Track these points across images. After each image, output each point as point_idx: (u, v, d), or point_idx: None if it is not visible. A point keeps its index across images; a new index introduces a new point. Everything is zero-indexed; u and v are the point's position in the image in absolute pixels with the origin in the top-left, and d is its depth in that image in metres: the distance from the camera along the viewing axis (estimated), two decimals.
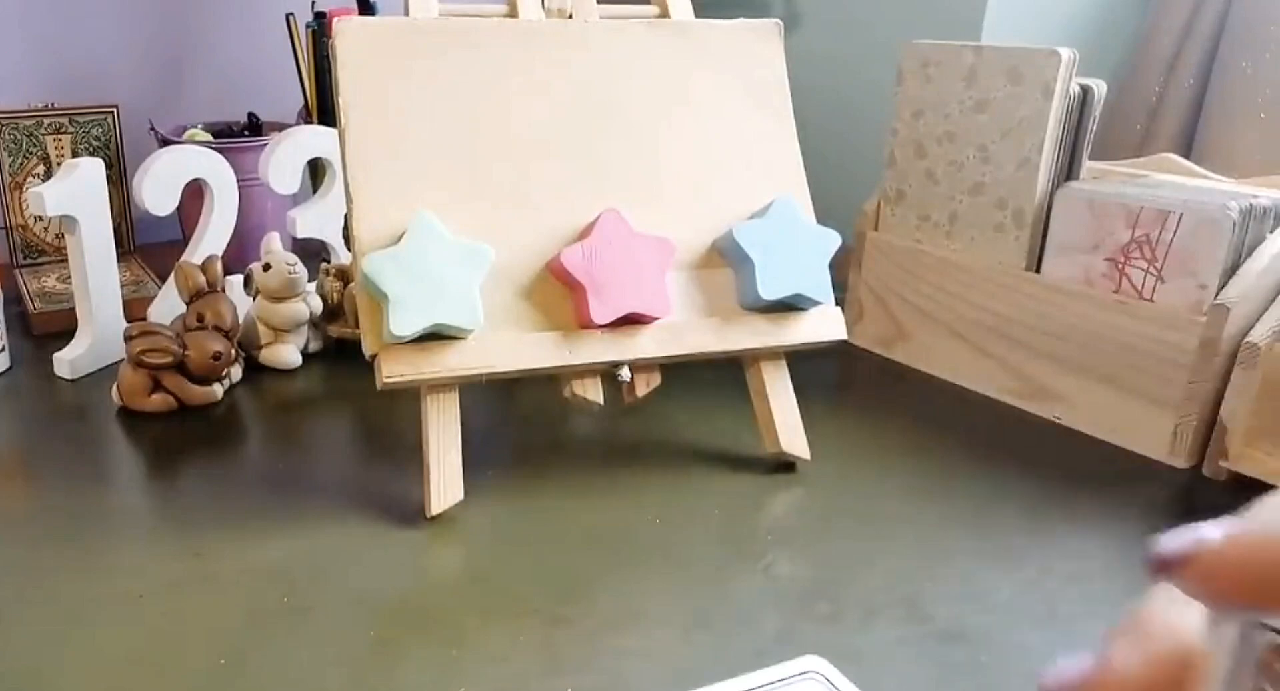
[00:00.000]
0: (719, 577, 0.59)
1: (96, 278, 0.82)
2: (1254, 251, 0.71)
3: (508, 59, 0.67)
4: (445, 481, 0.62)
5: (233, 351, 0.78)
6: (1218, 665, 0.19)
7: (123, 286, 0.87)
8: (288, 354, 0.86)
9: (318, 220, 0.94)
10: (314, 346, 0.89)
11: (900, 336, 0.92)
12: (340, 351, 0.89)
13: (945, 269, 0.87)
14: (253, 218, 0.99)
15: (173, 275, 0.82)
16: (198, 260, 0.82)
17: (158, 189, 0.84)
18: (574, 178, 0.67)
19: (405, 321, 0.58)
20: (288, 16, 1.09)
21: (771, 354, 0.70)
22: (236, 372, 0.83)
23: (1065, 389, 0.80)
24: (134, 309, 0.88)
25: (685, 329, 0.66)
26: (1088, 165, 0.82)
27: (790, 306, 0.69)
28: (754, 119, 0.72)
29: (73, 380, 0.82)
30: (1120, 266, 0.76)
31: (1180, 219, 0.72)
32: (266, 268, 0.84)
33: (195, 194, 0.88)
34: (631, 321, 0.64)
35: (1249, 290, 0.70)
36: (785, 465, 0.71)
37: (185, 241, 0.91)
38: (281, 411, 0.80)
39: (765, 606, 0.56)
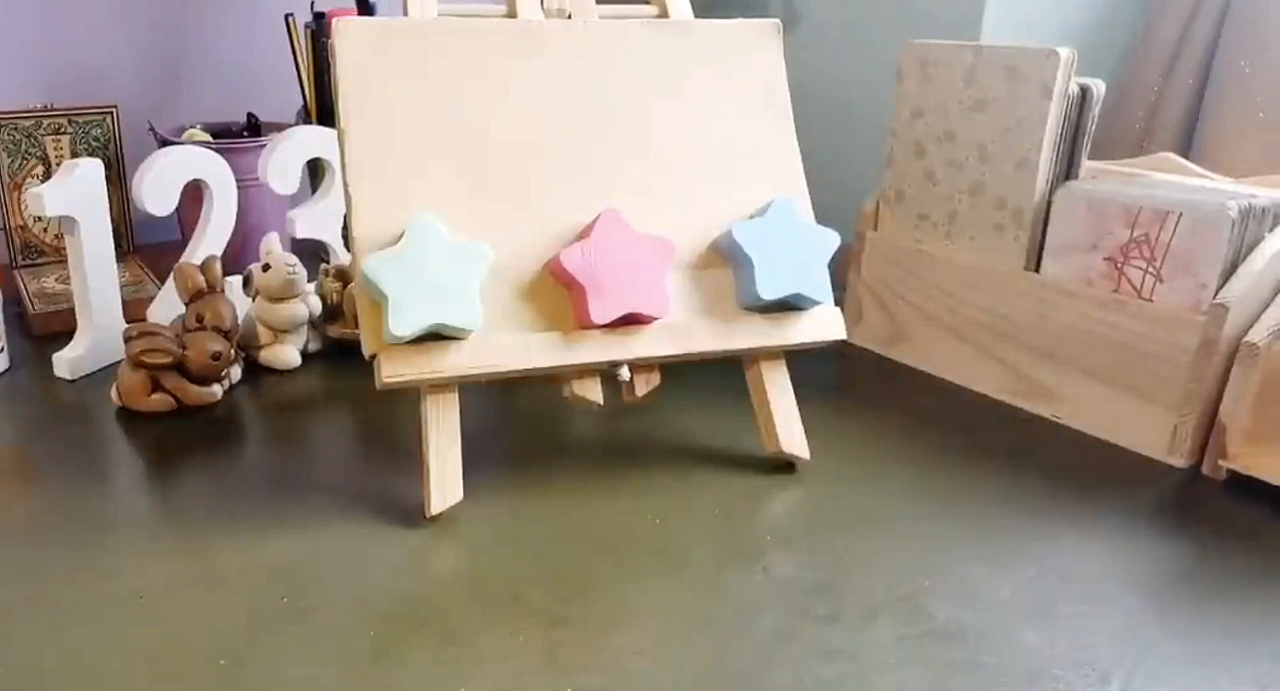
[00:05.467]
0: (719, 577, 0.59)
1: (96, 278, 0.82)
2: (1253, 251, 0.71)
3: (507, 59, 0.67)
4: (445, 481, 0.62)
5: (232, 352, 0.78)
6: None
7: (122, 287, 0.87)
8: (287, 354, 0.86)
9: (317, 220, 0.94)
10: (313, 347, 0.89)
11: (899, 336, 0.92)
12: (340, 352, 0.89)
13: (945, 269, 0.87)
14: (252, 218, 0.99)
15: (172, 276, 0.82)
16: (197, 261, 0.82)
17: (157, 189, 0.84)
18: (573, 178, 0.67)
19: (405, 321, 0.58)
20: (287, 17, 1.09)
21: (771, 354, 0.70)
22: (236, 373, 0.83)
23: (1064, 389, 0.80)
24: (133, 309, 0.88)
25: (685, 329, 0.66)
26: (1087, 165, 0.82)
27: (790, 306, 0.69)
28: (753, 119, 0.72)
29: (72, 380, 0.82)
30: (1119, 266, 0.76)
31: (1179, 218, 0.72)
32: (266, 268, 0.84)
33: (194, 194, 0.88)
34: (631, 321, 0.64)
35: (1248, 289, 0.70)
36: (785, 465, 0.71)
37: (184, 242, 0.91)
38: (281, 412, 0.80)
39: (765, 606, 0.56)
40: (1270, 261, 0.70)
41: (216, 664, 0.50)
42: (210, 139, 1.05)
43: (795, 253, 0.68)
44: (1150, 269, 0.74)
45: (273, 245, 0.85)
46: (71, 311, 0.84)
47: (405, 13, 0.67)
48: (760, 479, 0.70)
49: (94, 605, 0.54)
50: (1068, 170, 0.81)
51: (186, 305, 0.79)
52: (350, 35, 0.63)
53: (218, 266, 0.81)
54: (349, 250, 0.67)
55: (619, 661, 0.51)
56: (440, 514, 0.62)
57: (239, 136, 1.11)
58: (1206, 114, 1.08)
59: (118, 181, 1.07)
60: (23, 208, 1.04)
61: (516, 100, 0.67)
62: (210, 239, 0.88)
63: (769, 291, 0.66)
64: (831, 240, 0.69)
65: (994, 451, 0.75)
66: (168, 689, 0.48)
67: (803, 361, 0.72)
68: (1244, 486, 0.70)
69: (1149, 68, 1.12)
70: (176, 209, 0.87)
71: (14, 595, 0.55)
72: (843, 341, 0.71)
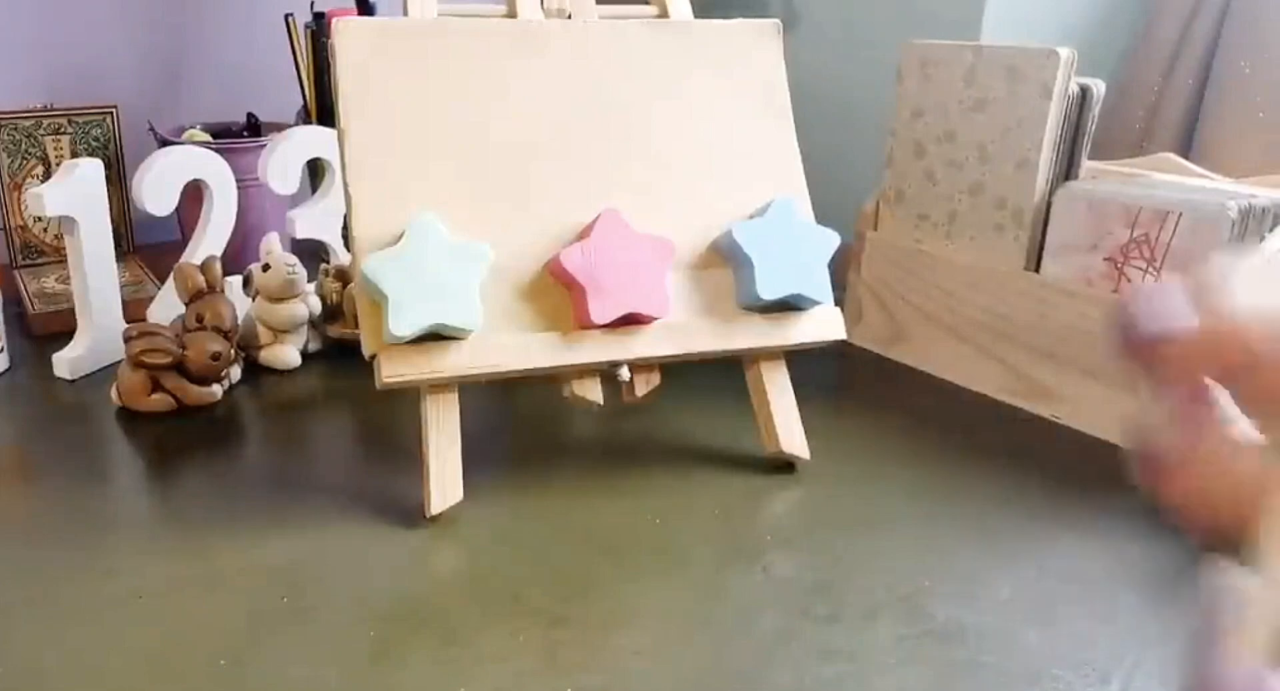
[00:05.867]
0: (719, 577, 0.59)
1: (96, 278, 0.82)
2: None
3: (507, 59, 0.67)
4: (445, 481, 0.62)
5: (232, 352, 0.78)
6: None
7: (122, 287, 0.87)
8: (287, 354, 0.86)
9: (317, 221, 0.94)
10: (313, 347, 0.89)
11: (899, 336, 0.92)
12: (340, 352, 0.89)
13: (945, 269, 0.87)
14: (252, 218, 0.99)
15: (172, 276, 0.82)
16: (197, 261, 0.82)
17: (157, 189, 0.84)
18: (573, 178, 0.67)
19: (405, 321, 0.58)
20: (287, 17, 1.09)
21: (771, 354, 0.70)
22: (236, 373, 0.83)
23: (1064, 388, 0.80)
24: (133, 309, 0.87)
25: (684, 329, 0.66)
26: (1087, 165, 0.82)
27: (789, 306, 0.69)
28: (753, 119, 0.72)
29: (72, 381, 0.82)
30: (1119, 266, 0.76)
31: (1179, 218, 0.72)
32: (266, 268, 0.84)
33: (194, 194, 0.88)
34: (631, 321, 0.64)
35: None
36: (785, 465, 0.71)
37: (184, 242, 0.91)
38: (281, 412, 0.80)
39: (765, 606, 0.56)
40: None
41: (216, 664, 0.50)
42: (210, 139, 1.05)
43: (795, 253, 0.68)
44: (1150, 269, 0.74)
45: (273, 245, 0.85)
46: (71, 311, 0.84)
47: (405, 13, 0.67)
48: (760, 479, 0.70)
49: (94, 605, 0.54)
50: (1068, 170, 0.81)
51: (186, 305, 0.79)
52: (350, 35, 0.63)
53: (218, 266, 0.81)
54: (349, 250, 0.67)
55: (619, 661, 0.51)
56: (440, 514, 0.62)
57: (239, 136, 1.11)
58: (1206, 114, 1.08)
59: (118, 181, 1.07)
60: (23, 208, 1.04)
61: (516, 100, 0.67)
62: (210, 239, 0.88)
63: (769, 291, 0.66)
64: (831, 240, 0.69)
65: (994, 451, 0.75)
66: (168, 689, 0.48)
67: (803, 361, 0.72)
68: None
69: (1149, 68, 1.12)
70: (176, 209, 0.87)
71: (14, 595, 0.55)
72: (843, 341, 0.71)
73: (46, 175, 1.04)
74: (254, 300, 0.86)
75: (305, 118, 1.12)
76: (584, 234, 0.65)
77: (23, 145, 1.03)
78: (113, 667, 0.50)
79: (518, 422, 0.79)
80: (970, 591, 0.58)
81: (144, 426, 0.76)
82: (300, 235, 0.94)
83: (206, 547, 0.60)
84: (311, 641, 0.52)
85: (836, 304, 0.70)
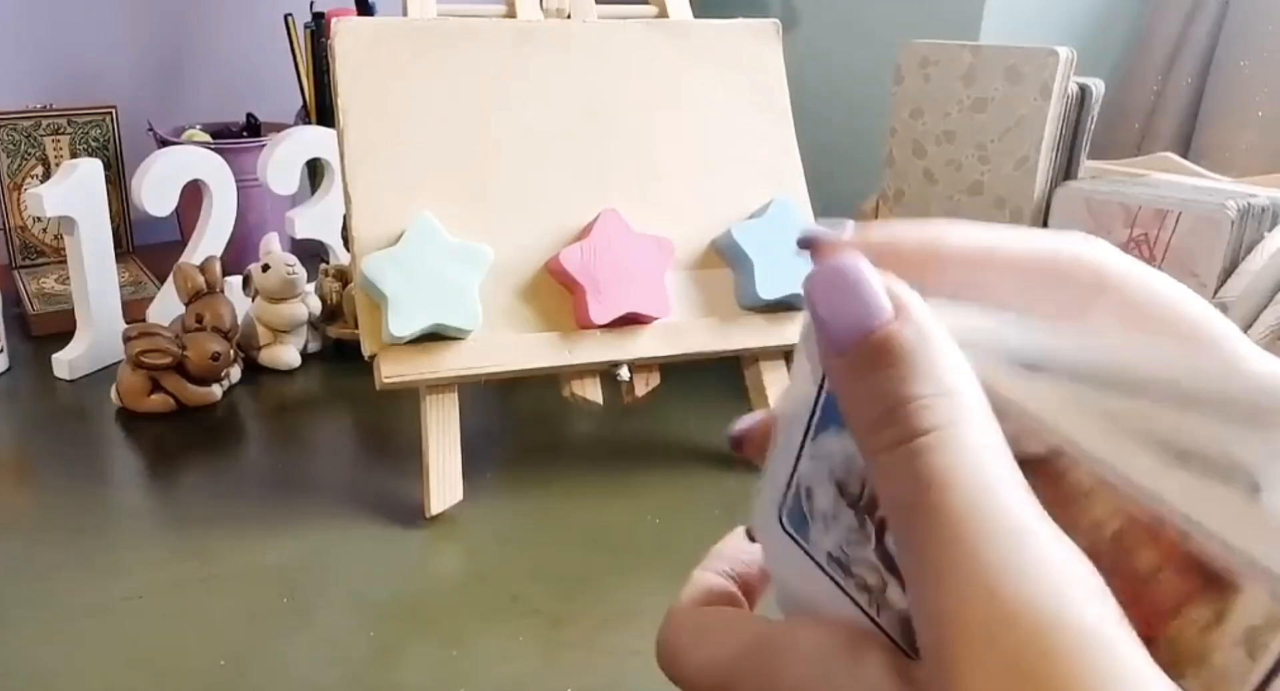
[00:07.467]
0: None
1: (95, 279, 0.82)
2: (1252, 250, 0.71)
3: (506, 59, 0.67)
4: (445, 481, 0.62)
5: (232, 352, 0.78)
6: None
7: (122, 287, 0.87)
8: (287, 355, 0.86)
9: (316, 221, 0.94)
10: (313, 347, 0.89)
11: None
12: (339, 352, 0.89)
13: None
14: (251, 218, 0.99)
15: (171, 276, 0.82)
16: (197, 261, 0.82)
17: (156, 189, 0.84)
18: (573, 178, 0.67)
19: (404, 322, 0.58)
20: (286, 17, 1.09)
21: (771, 354, 0.70)
22: (235, 373, 0.83)
23: None
24: (133, 310, 0.87)
25: (684, 329, 0.66)
26: (1086, 164, 0.82)
27: (789, 306, 0.69)
28: (752, 119, 0.72)
29: (72, 381, 0.82)
30: None
31: (1179, 218, 0.72)
32: (265, 268, 0.84)
33: (194, 195, 0.88)
34: (631, 321, 0.64)
35: (1247, 288, 0.70)
36: None
37: (184, 242, 0.91)
38: (281, 412, 0.80)
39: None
40: (1270, 260, 0.70)
41: (216, 664, 0.50)
42: (210, 139, 1.05)
43: (795, 252, 0.68)
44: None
45: (272, 245, 0.85)
46: (71, 311, 0.84)
47: (405, 13, 0.67)
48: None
49: (94, 605, 0.54)
50: (1067, 170, 0.81)
51: (186, 305, 0.79)
52: (350, 35, 0.63)
53: (217, 266, 0.81)
54: (348, 250, 0.67)
55: (619, 661, 0.51)
56: (440, 514, 0.62)
57: (239, 136, 1.11)
58: (1205, 113, 1.08)
59: (117, 181, 1.07)
60: (22, 208, 1.04)
61: (516, 100, 0.67)
62: (210, 239, 0.88)
63: (769, 291, 0.66)
64: None
65: None
66: (167, 689, 0.48)
67: None
68: None
69: (1148, 67, 1.12)
70: (176, 209, 0.87)
71: (14, 595, 0.55)
72: None
73: (46, 175, 1.03)
74: (254, 300, 0.86)
75: (305, 118, 1.12)
76: (584, 234, 0.65)
77: (22, 145, 1.03)
78: (113, 667, 0.50)
79: (518, 422, 0.79)
80: None
81: (144, 426, 0.76)
82: (300, 235, 0.94)
83: (206, 547, 0.60)
84: (311, 641, 0.52)
85: None
